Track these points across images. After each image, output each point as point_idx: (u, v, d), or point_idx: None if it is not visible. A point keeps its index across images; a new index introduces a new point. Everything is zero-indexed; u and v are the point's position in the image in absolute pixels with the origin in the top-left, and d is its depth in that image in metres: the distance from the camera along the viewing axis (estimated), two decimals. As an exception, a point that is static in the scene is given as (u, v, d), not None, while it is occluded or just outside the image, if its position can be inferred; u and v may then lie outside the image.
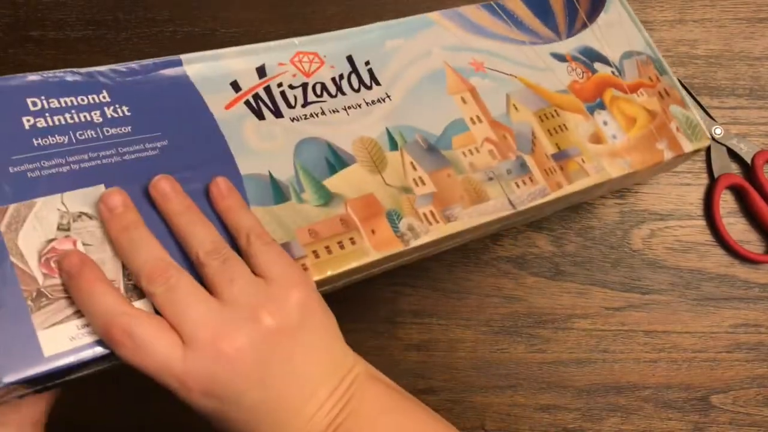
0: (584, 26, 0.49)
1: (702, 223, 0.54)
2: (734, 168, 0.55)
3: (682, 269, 0.53)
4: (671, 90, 0.49)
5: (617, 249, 0.53)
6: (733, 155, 0.55)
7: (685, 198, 0.54)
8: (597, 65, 0.48)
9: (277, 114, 0.38)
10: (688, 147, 0.47)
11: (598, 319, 0.52)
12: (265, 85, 0.38)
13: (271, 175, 0.36)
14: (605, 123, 0.46)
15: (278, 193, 0.36)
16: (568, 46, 0.48)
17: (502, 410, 0.50)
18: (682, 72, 0.56)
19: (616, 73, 0.48)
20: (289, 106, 0.38)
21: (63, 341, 0.29)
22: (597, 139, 0.45)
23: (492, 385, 0.50)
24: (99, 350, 0.29)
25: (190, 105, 0.36)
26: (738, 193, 0.55)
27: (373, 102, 0.40)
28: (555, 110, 0.45)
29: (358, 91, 0.40)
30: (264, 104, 0.38)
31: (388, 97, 0.41)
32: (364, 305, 0.51)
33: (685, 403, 0.51)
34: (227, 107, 0.37)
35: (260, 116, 0.37)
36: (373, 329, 0.51)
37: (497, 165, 0.41)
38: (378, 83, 0.41)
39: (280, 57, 0.39)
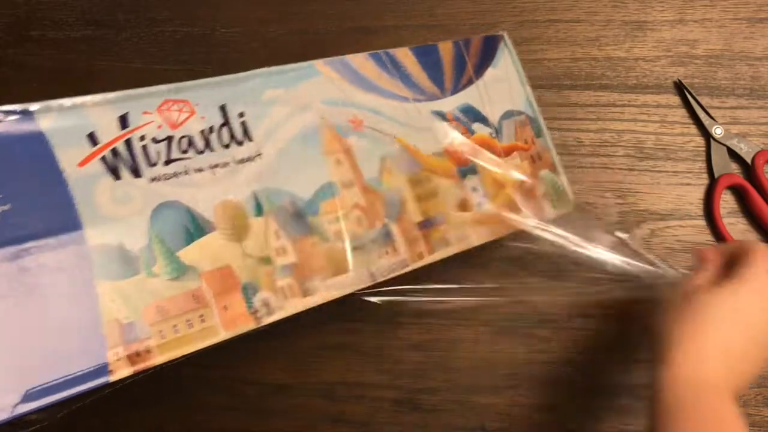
0: (470, 82, 0.48)
1: (702, 223, 0.54)
2: (734, 168, 0.55)
3: (682, 269, 0.53)
4: (544, 153, 0.49)
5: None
6: (734, 155, 0.55)
7: (685, 198, 0.54)
8: (476, 126, 0.47)
9: (136, 173, 0.35)
10: (550, 214, 0.48)
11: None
12: (126, 137, 0.35)
13: (121, 246, 0.34)
14: (474, 189, 0.46)
15: (128, 266, 0.34)
16: (451, 103, 0.47)
17: (502, 410, 0.50)
18: (682, 72, 0.56)
19: (494, 135, 0.48)
20: (150, 163, 0.35)
21: None
22: (464, 206, 0.45)
23: (492, 385, 0.50)
24: None
25: (40, 161, 0.33)
26: (738, 193, 0.55)
27: (242, 160, 0.38)
28: (427, 174, 0.44)
29: (227, 147, 0.38)
30: (122, 161, 0.35)
31: (260, 155, 0.38)
32: (364, 305, 0.51)
33: (686, 403, 0.51)
34: (81, 164, 0.33)
35: (117, 175, 0.34)
36: (373, 329, 0.51)
37: (363, 233, 0.41)
38: (250, 139, 0.38)
39: (147, 105, 0.36)
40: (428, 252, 0.43)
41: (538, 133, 0.50)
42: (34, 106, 0.33)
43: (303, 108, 0.41)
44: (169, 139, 0.36)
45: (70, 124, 0.34)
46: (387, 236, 0.41)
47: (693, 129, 0.55)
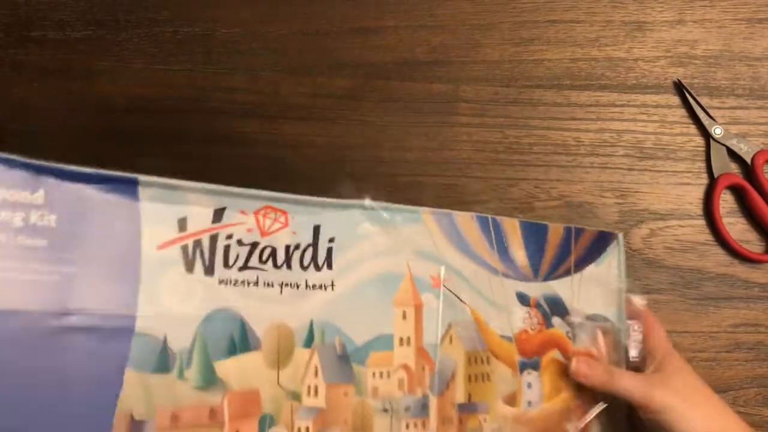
0: (567, 273, 0.45)
1: (702, 222, 0.54)
2: (734, 168, 0.55)
3: (681, 269, 0.53)
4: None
5: (617, 249, 0.53)
6: (733, 155, 0.55)
7: (685, 198, 0.54)
8: (555, 320, 0.44)
9: (209, 271, 0.34)
10: None
11: (598, 318, 0.52)
12: (214, 232, 0.34)
13: (165, 341, 0.32)
14: (529, 385, 0.43)
15: (163, 362, 0.32)
16: (539, 289, 0.44)
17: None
18: (682, 72, 0.56)
19: (570, 335, 0.44)
20: (226, 265, 0.34)
21: None
22: (511, 400, 0.42)
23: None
24: None
25: (124, 232, 0.32)
26: (738, 192, 0.55)
27: (314, 287, 0.36)
28: (488, 356, 0.41)
29: (305, 269, 0.36)
30: (201, 255, 0.33)
31: (333, 286, 0.37)
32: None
33: (685, 403, 0.51)
34: (161, 247, 0.32)
35: (190, 268, 0.33)
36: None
37: (400, 398, 0.38)
38: (330, 267, 0.37)
39: (247, 205, 0.35)
40: None
41: (617, 344, 0.46)
42: (141, 177, 0.32)
43: (392, 251, 0.39)
44: (254, 245, 0.35)
45: (167, 204, 0.33)
46: (423, 409, 0.39)
47: (693, 129, 0.55)
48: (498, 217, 0.43)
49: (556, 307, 0.44)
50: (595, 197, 0.54)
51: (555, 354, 0.44)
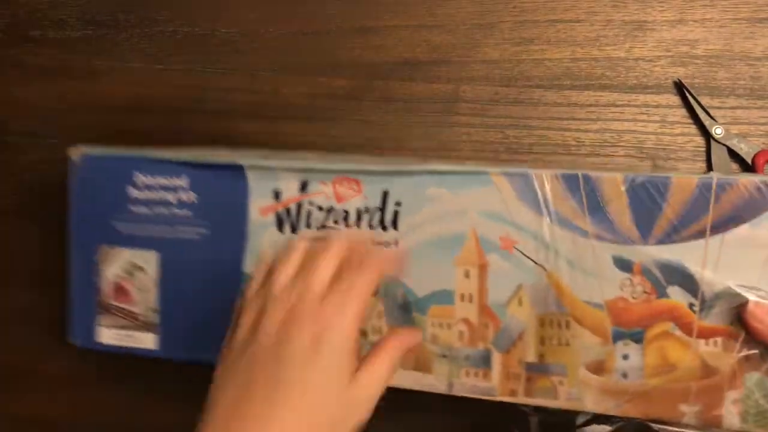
0: (698, 236, 0.38)
1: (702, 223, 0.54)
2: (734, 168, 0.55)
3: (682, 269, 0.53)
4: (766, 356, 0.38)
5: (617, 249, 0.53)
6: (734, 155, 0.55)
7: (686, 198, 0.54)
8: (672, 290, 0.38)
9: (294, 231, 0.43)
10: (733, 425, 0.37)
11: (599, 319, 0.52)
12: (299, 201, 0.43)
13: None
14: (626, 357, 0.39)
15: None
16: (650, 254, 0.38)
17: (502, 410, 0.50)
18: (682, 72, 0.56)
19: (695, 307, 0.38)
20: (308, 225, 0.43)
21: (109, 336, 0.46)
22: (598, 369, 0.39)
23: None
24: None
25: (238, 205, 0.43)
26: (738, 193, 0.55)
27: (379, 244, 0.41)
28: (568, 321, 0.39)
29: (373, 229, 0.42)
30: (289, 218, 0.43)
31: (396, 244, 0.42)
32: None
33: (686, 403, 0.51)
34: (263, 212, 0.43)
35: (281, 228, 0.43)
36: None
37: (459, 348, 0.41)
38: (395, 228, 0.42)
39: (326, 177, 0.42)
40: (524, 394, 0.40)
41: None
42: (245, 163, 0.43)
43: (457, 214, 0.41)
44: (330, 210, 0.42)
45: (266, 180, 0.43)
46: (484, 361, 0.40)
47: (693, 129, 0.55)
48: (593, 173, 0.39)
49: (676, 276, 0.38)
50: (595, 197, 0.54)
51: (668, 328, 0.38)
